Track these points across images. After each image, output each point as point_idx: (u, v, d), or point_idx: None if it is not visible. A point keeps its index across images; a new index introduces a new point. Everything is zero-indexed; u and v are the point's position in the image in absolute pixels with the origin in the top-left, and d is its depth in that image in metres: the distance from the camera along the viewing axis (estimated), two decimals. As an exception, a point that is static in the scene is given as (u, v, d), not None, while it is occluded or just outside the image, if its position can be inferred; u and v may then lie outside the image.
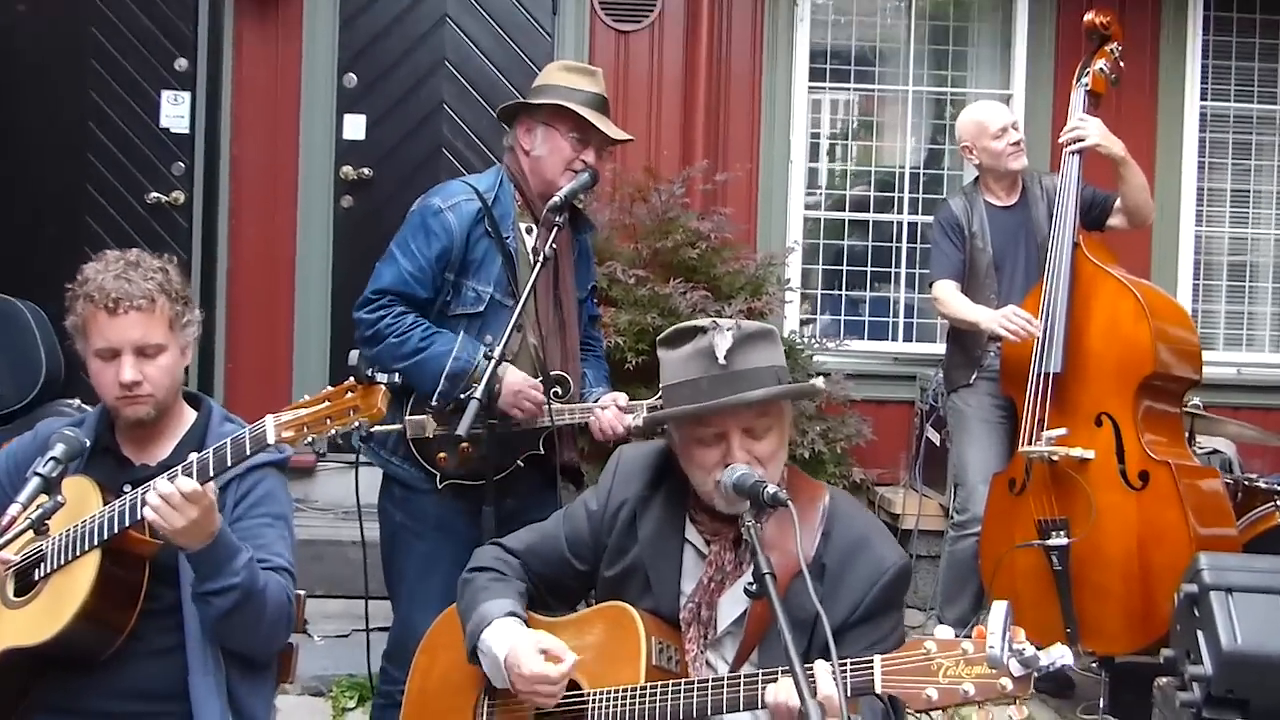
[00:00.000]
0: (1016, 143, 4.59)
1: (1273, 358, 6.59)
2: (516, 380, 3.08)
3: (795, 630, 1.99)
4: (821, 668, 1.84)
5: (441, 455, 3.15)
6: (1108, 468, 4.10)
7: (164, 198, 5.86)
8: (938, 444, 5.61)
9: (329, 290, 6.01)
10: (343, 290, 5.94)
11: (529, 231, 3.24)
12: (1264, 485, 4.67)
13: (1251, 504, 4.58)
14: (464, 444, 2.99)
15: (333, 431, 2.21)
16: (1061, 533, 4.12)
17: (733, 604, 2.21)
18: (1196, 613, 3.42)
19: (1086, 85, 4.42)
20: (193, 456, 2.29)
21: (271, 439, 2.22)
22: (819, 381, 2.28)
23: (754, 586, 1.88)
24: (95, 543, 2.28)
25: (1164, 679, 3.68)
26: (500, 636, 2.20)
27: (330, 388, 2.23)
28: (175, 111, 5.90)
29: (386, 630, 4.69)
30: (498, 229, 3.18)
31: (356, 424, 2.19)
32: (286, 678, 2.63)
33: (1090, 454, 4.09)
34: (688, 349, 2.19)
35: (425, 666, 2.49)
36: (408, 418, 3.14)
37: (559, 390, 3.18)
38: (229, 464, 2.27)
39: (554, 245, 3.05)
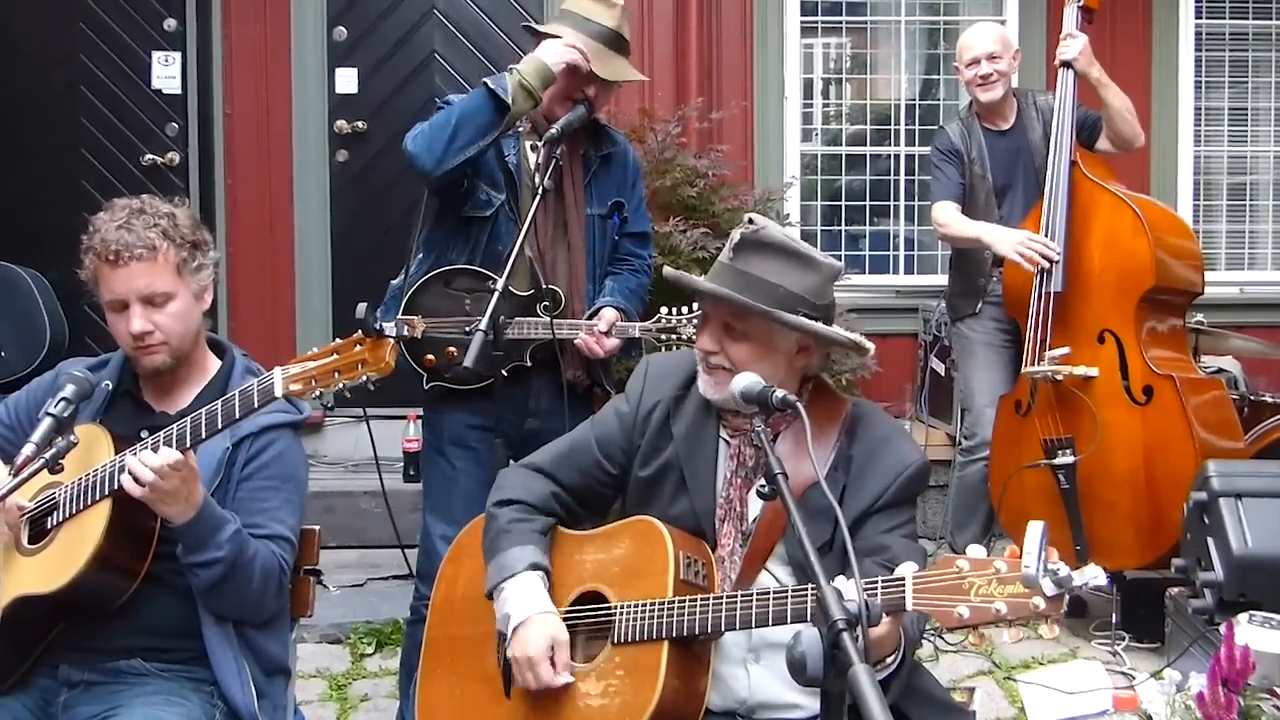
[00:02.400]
0: (986, 76, 4.54)
1: (1274, 275, 6.58)
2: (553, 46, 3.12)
3: (816, 517, 2.06)
4: (846, 581, 1.84)
5: (429, 357, 3.18)
6: (1112, 384, 4.11)
7: (159, 159, 5.85)
8: (942, 374, 5.62)
9: (328, 244, 6.00)
10: (342, 244, 5.96)
11: (534, 149, 3.23)
12: (1270, 400, 4.70)
13: (1258, 418, 4.60)
14: (450, 347, 3.00)
15: (341, 385, 2.17)
16: (1068, 451, 4.14)
17: (757, 502, 2.22)
18: (1206, 520, 3.45)
19: (1080, 1, 4.37)
20: (202, 411, 2.26)
21: (279, 392, 2.19)
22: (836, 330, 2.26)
23: (765, 488, 1.89)
24: (106, 491, 2.28)
25: (1175, 589, 3.73)
26: (520, 599, 2.21)
27: (338, 340, 2.20)
28: (166, 72, 5.87)
29: (398, 578, 4.80)
30: (499, 149, 3.19)
31: (365, 377, 2.16)
32: (303, 611, 2.62)
33: (1094, 371, 4.10)
34: (734, 235, 2.24)
35: (452, 575, 2.50)
36: (399, 317, 3.15)
37: (548, 304, 3.17)
38: (237, 416, 2.23)
39: (552, 178, 3.04)
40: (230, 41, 5.95)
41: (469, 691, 2.35)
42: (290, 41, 5.96)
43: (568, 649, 2.19)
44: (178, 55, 5.86)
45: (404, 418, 5.08)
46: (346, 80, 5.98)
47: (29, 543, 2.39)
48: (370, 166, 5.94)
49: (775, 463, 1.85)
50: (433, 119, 3.12)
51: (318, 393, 2.18)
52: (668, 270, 2.37)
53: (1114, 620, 4.13)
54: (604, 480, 2.41)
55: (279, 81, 5.96)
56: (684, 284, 2.25)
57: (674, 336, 3.24)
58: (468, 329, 2.91)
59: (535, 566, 2.26)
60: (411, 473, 5.08)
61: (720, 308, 2.20)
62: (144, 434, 2.40)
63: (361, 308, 2.15)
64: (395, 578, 4.83)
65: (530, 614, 2.19)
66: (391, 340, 2.16)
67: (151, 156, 5.84)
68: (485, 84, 3.06)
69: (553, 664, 2.16)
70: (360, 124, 5.95)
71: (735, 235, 2.22)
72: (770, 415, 2.00)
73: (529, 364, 3.22)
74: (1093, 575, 1.78)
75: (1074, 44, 4.31)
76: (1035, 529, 1.77)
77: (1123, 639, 4.10)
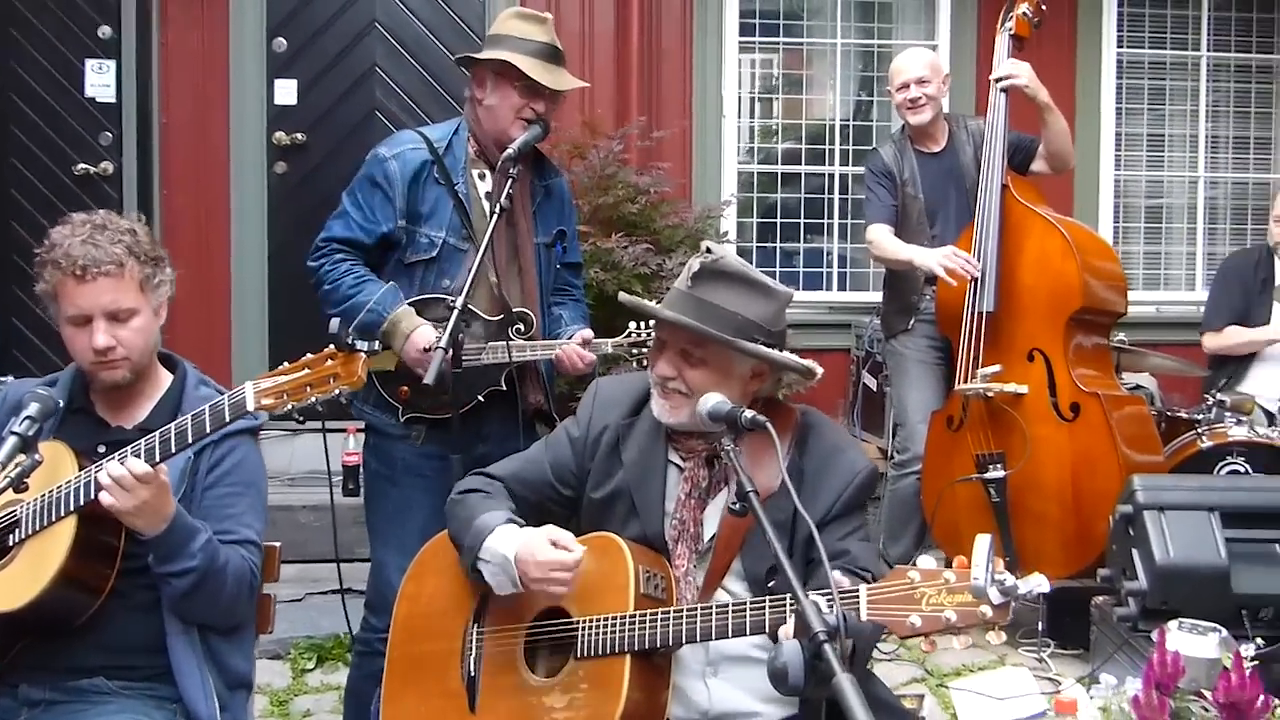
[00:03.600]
0: (915, 100, 4.68)
1: (1188, 295, 6.84)
2: (421, 340, 3.11)
3: (775, 534, 2.11)
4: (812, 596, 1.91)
5: (403, 389, 3.20)
6: (1041, 401, 4.27)
7: (92, 168, 5.76)
8: (874, 389, 5.76)
9: (265, 257, 5.97)
10: (280, 257, 5.92)
11: (482, 178, 3.28)
12: (1185, 415, 4.88)
13: (1174, 433, 4.79)
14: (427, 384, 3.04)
15: (313, 399, 2.19)
16: (999, 465, 4.29)
17: (713, 520, 2.31)
18: (1131, 531, 3.60)
19: (1010, 29, 4.54)
20: (171, 425, 2.27)
21: (251, 406, 2.20)
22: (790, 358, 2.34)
23: (737, 505, 1.96)
24: (71, 508, 2.28)
25: (1101, 598, 3.87)
26: (506, 538, 2.25)
27: (310, 355, 2.21)
28: (100, 80, 5.80)
29: (338, 592, 4.79)
30: (448, 176, 3.22)
31: (337, 391, 2.18)
32: (265, 628, 2.64)
33: (1024, 389, 4.26)
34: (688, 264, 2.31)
35: (413, 593, 2.53)
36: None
37: (520, 327, 3.23)
38: (208, 431, 2.25)
39: (509, 196, 3.09)
40: (167, 50, 5.89)
41: (435, 708, 2.38)
42: (229, 51, 5.91)
43: (567, 532, 2.24)
44: (113, 63, 5.79)
45: (344, 431, 5.07)
46: (286, 91, 5.96)
47: None
48: (309, 179, 5.92)
49: (747, 480, 1.93)
50: (340, 280, 3.17)
51: (289, 406, 2.20)
52: (626, 297, 2.43)
53: (1040, 628, 4.28)
54: (557, 500, 2.47)
55: (217, 91, 5.92)
56: (645, 311, 2.32)
57: (645, 350, 3.30)
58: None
59: (509, 520, 2.30)
60: (351, 486, 5.07)
61: (679, 334, 2.26)
62: (101, 449, 2.42)
63: (335, 323, 2.17)
64: (335, 592, 4.81)
65: (521, 540, 2.23)
66: (364, 355, 2.18)
67: (84, 166, 5.76)
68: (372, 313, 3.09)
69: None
70: (300, 136, 5.94)
71: (694, 264, 2.27)
72: (739, 434, 2.07)
73: (504, 388, 3.27)
74: (1037, 583, 1.87)
75: (1022, 70, 4.46)
76: (983, 542, 1.86)
77: (1048, 646, 4.25)
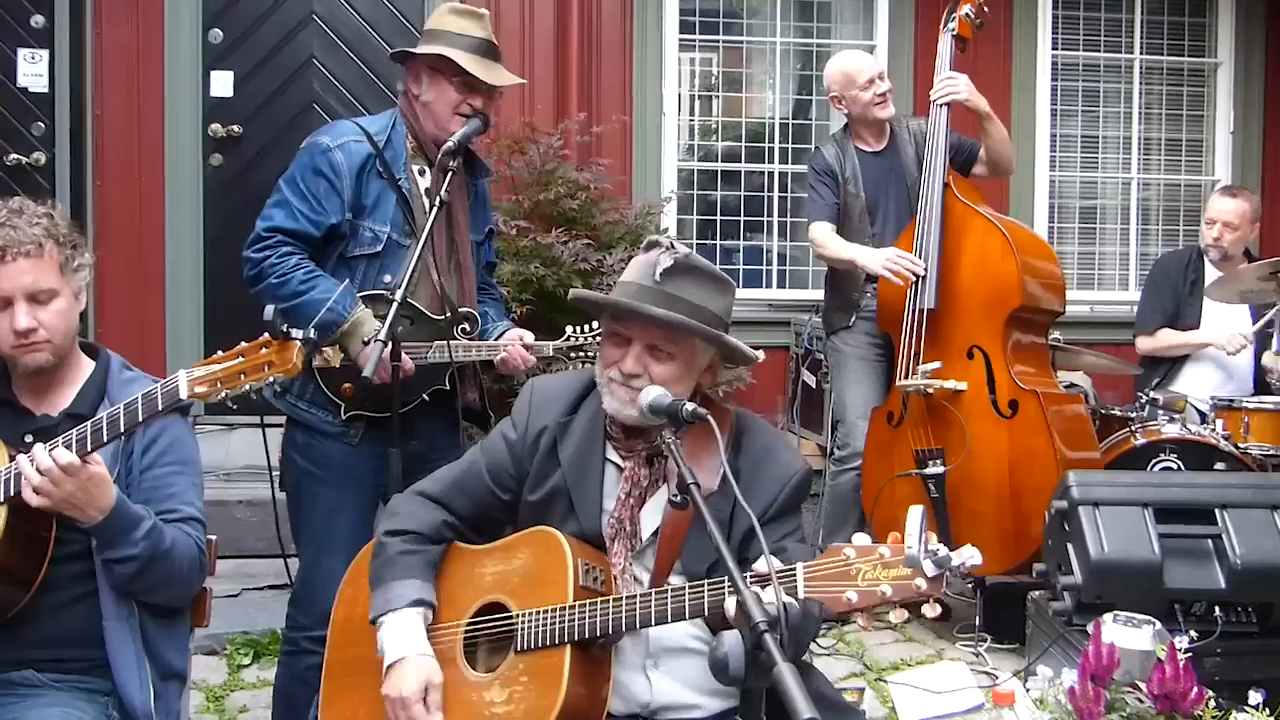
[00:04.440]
0: (884, 93, 4.72)
1: (1121, 295, 6.96)
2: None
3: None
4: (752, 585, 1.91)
5: (346, 385, 3.14)
6: (980, 398, 4.31)
7: (24, 159, 5.66)
8: (813, 386, 5.79)
9: (201, 249, 5.89)
10: (215, 249, 5.85)
11: (421, 173, 3.25)
12: (1119, 413, 4.96)
13: (1109, 430, 4.86)
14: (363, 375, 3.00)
15: (247, 387, 2.18)
16: (938, 461, 4.32)
17: (652, 517, 2.30)
18: (1066, 527, 3.64)
19: (953, 30, 4.59)
20: (103, 413, 2.26)
21: (184, 394, 2.19)
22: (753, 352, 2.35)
23: (678, 498, 1.95)
24: (2, 499, 2.25)
25: (1036, 593, 3.91)
26: (397, 638, 2.24)
27: (245, 343, 2.21)
28: (33, 70, 5.70)
29: (274, 588, 4.74)
30: (390, 170, 3.18)
31: (271, 379, 2.17)
32: (201, 622, 2.61)
33: (963, 385, 4.30)
34: (642, 257, 2.29)
35: (351, 597, 2.50)
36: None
37: (466, 327, 3.21)
38: (140, 419, 2.25)
39: (449, 190, 3.06)
40: (101, 40, 5.80)
41: (375, 711, 2.34)
42: (164, 42, 5.83)
43: (440, 691, 2.21)
44: (45, 53, 5.69)
45: (282, 425, 5.00)
46: (222, 83, 5.89)
47: None
48: (245, 171, 5.85)
49: (688, 472, 1.93)
50: (289, 275, 3.07)
51: (223, 394, 2.18)
52: (582, 293, 2.39)
53: (977, 623, 4.33)
54: (496, 506, 2.44)
55: (151, 82, 5.83)
56: (624, 308, 2.24)
57: (582, 354, 3.30)
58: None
59: (418, 603, 2.28)
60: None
61: (650, 330, 2.24)
62: (28, 438, 2.39)
63: (269, 309, 2.15)
64: (271, 588, 4.77)
65: (405, 654, 2.21)
66: (299, 343, 2.17)
67: (16, 156, 5.65)
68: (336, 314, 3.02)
69: (426, 706, 2.19)
70: (235, 128, 5.86)
71: (664, 260, 2.23)
72: (680, 427, 2.07)
73: (447, 387, 3.24)
74: (969, 555, 1.89)
75: (960, 83, 4.51)
76: (915, 513, 1.88)
77: (985, 640, 4.29)
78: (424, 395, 3.20)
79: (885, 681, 4.05)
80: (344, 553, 3.01)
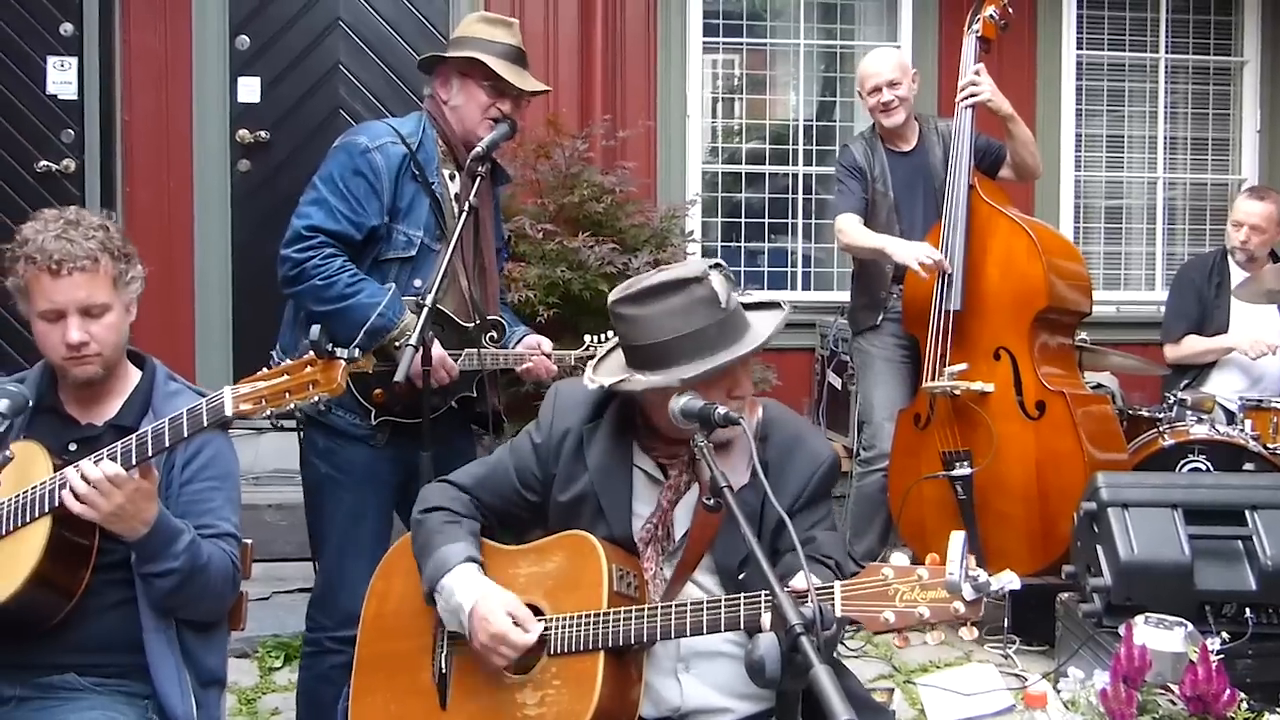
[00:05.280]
0: (886, 103, 4.69)
1: (1147, 295, 6.92)
2: (439, 353, 3.10)
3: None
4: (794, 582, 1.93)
5: (378, 391, 3.15)
6: (1006, 399, 4.30)
7: (54, 166, 5.70)
8: (839, 388, 5.79)
9: (229, 255, 5.92)
10: (243, 255, 5.88)
11: (451, 178, 3.27)
12: (1146, 414, 4.94)
13: (1136, 431, 4.84)
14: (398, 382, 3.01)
15: (291, 405, 2.20)
16: (965, 463, 4.32)
17: (682, 519, 2.31)
18: (1096, 529, 3.64)
19: (977, 32, 4.57)
20: (146, 425, 2.28)
21: (229, 411, 2.20)
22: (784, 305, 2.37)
23: (712, 502, 1.96)
24: (46, 509, 2.28)
25: (1065, 594, 3.91)
26: (465, 585, 2.25)
27: (289, 361, 2.22)
28: (62, 78, 5.74)
29: (304, 591, 4.77)
30: (424, 173, 3.20)
31: (316, 398, 2.18)
32: (238, 625, 2.65)
33: (990, 387, 4.30)
34: (677, 301, 2.17)
35: (382, 591, 2.52)
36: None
37: (494, 335, 3.23)
38: (185, 435, 2.25)
39: (477, 195, 3.09)
40: (129, 48, 5.84)
41: (406, 706, 2.37)
42: (192, 49, 5.86)
43: (527, 610, 2.23)
44: (74, 61, 5.73)
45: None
46: (249, 89, 5.92)
47: None
48: (273, 177, 5.88)
49: (721, 477, 1.93)
50: (335, 278, 3.06)
51: (268, 412, 2.20)
52: (692, 377, 2.17)
53: (1005, 625, 4.31)
54: (522, 506, 2.46)
55: (179, 89, 5.87)
56: (726, 365, 2.17)
57: None
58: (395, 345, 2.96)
59: (470, 559, 2.30)
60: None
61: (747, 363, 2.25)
62: (73, 447, 2.43)
63: (315, 329, 2.16)
64: (301, 590, 4.80)
65: (480, 595, 2.23)
66: (343, 363, 2.18)
67: (46, 163, 5.70)
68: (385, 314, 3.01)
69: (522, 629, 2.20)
70: (263, 134, 5.89)
71: (723, 286, 2.19)
72: (712, 431, 2.07)
73: (474, 394, 3.26)
74: (1008, 580, 1.90)
75: (981, 84, 4.50)
76: (958, 539, 1.89)
77: (1013, 642, 4.28)
78: (452, 402, 3.22)
79: (914, 684, 4.05)
80: (366, 555, 3.07)
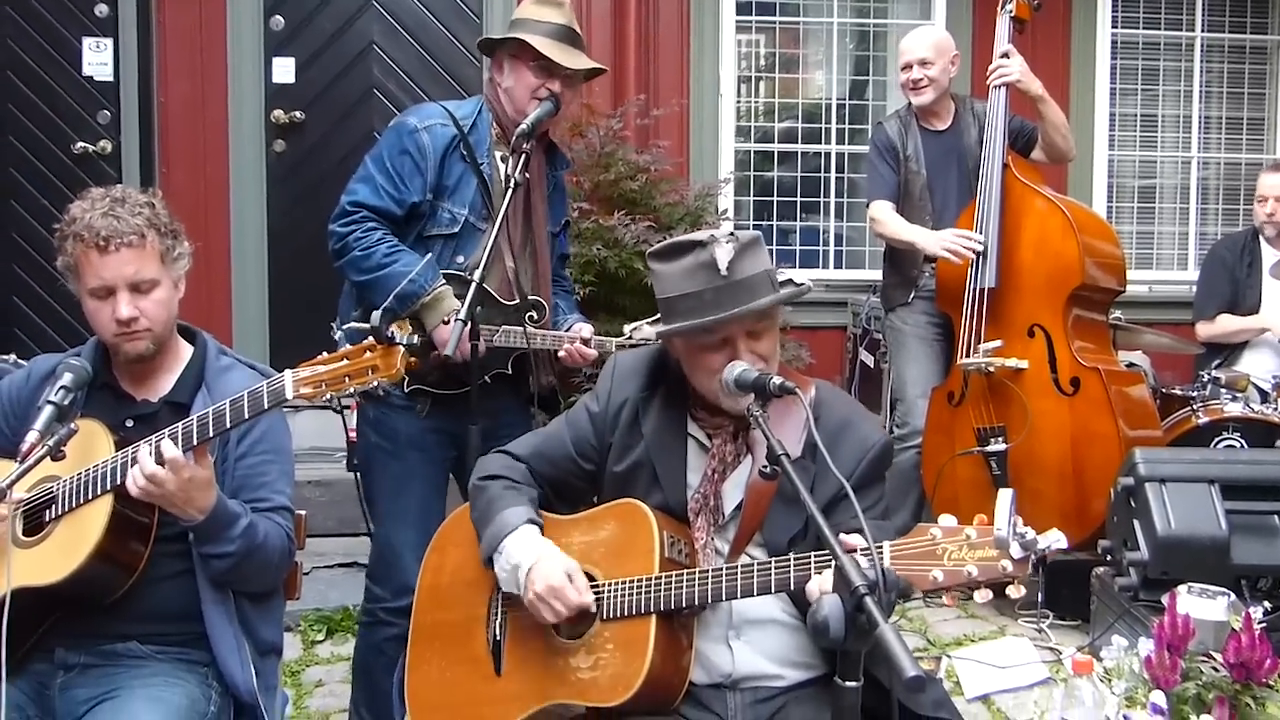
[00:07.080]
0: (915, 81, 4.71)
1: (1179, 275, 6.92)
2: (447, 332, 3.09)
3: (792, 505, 2.18)
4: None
5: (412, 359, 3.21)
6: (1041, 376, 4.32)
7: (91, 147, 5.78)
8: (871, 366, 5.81)
9: (265, 235, 5.98)
10: (279, 235, 5.95)
11: (504, 160, 3.30)
12: (1179, 392, 4.95)
13: (1169, 409, 4.86)
14: (434, 351, 3.04)
15: (351, 390, 2.22)
16: (999, 439, 4.34)
17: (733, 492, 2.34)
18: (1133, 503, 3.66)
19: (1011, 11, 4.58)
20: (209, 409, 2.31)
21: (290, 395, 2.23)
22: (805, 282, 2.36)
23: (768, 469, 1.99)
24: (108, 486, 2.32)
25: (1101, 569, 3.93)
26: (524, 545, 2.30)
27: (349, 346, 2.25)
28: (98, 59, 5.81)
29: (344, 566, 4.84)
30: (473, 154, 3.24)
31: (375, 383, 2.20)
32: (293, 594, 2.70)
33: (1024, 364, 4.31)
34: (687, 262, 2.24)
35: (436, 564, 2.57)
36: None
37: (534, 315, 3.27)
38: (246, 417, 2.28)
39: (525, 173, 3.12)
40: (164, 29, 5.89)
41: (460, 674, 2.42)
42: (226, 30, 5.91)
43: (582, 574, 2.27)
44: (110, 42, 5.80)
45: (348, 407, 5.09)
46: (284, 70, 5.97)
47: (24, 534, 2.41)
48: (307, 157, 5.94)
49: (777, 444, 1.96)
50: (374, 249, 3.15)
51: (327, 396, 2.24)
52: (669, 330, 2.29)
53: (1039, 600, 4.34)
54: (579, 475, 2.49)
55: (214, 70, 5.92)
56: (730, 318, 2.20)
57: None
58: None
59: (530, 522, 2.34)
60: (355, 461, 5.10)
61: (744, 321, 2.23)
62: (129, 423, 2.47)
63: (375, 315, 2.19)
64: (340, 565, 4.87)
65: (538, 555, 2.27)
66: (403, 348, 2.21)
67: (83, 144, 5.77)
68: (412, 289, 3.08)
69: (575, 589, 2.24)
70: (298, 114, 5.94)
71: (722, 252, 2.20)
72: (768, 400, 2.09)
73: (509, 371, 3.30)
74: (1055, 539, 1.92)
75: (1014, 65, 4.50)
76: (1006, 496, 1.92)
77: (1047, 617, 4.31)
78: (485, 378, 3.25)
79: (949, 657, 4.08)
80: (415, 525, 3.13)
